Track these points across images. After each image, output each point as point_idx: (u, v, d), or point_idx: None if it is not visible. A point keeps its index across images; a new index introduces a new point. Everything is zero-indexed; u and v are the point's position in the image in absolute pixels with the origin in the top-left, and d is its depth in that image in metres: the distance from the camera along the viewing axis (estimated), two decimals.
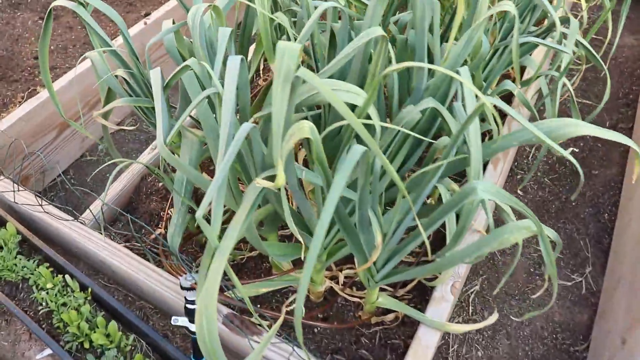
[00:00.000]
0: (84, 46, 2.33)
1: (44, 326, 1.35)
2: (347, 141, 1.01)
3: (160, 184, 1.73)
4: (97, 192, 1.96)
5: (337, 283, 1.44)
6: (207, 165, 1.84)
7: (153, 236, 1.54)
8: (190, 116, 1.49)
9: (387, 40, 1.03)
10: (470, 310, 1.66)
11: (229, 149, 0.87)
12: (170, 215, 1.60)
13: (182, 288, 1.21)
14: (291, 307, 1.42)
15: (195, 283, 1.20)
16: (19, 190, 1.52)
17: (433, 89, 1.14)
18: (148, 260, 1.43)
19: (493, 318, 1.32)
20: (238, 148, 0.88)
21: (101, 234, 1.46)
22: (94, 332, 1.29)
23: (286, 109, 0.72)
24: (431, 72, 1.26)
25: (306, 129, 0.76)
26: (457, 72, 1.03)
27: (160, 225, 1.62)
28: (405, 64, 0.82)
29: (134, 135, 2.16)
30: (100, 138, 2.14)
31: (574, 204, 1.98)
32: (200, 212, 0.83)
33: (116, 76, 1.47)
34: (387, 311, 1.41)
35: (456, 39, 1.52)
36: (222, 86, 0.99)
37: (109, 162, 1.30)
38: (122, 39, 1.40)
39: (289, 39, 1.34)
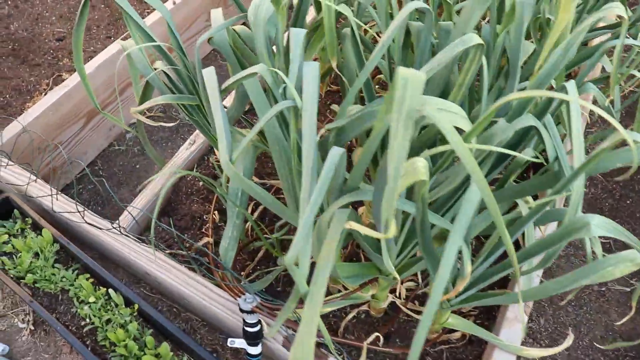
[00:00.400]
0: (109, 27, 2.19)
1: (88, 343, 1.26)
2: (440, 166, 0.91)
3: (201, 184, 1.63)
4: (128, 184, 1.86)
5: (399, 296, 1.35)
6: None
7: (195, 246, 1.43)
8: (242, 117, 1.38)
9: (482, 49, 0.92)
10: (526, 318, 1.57)
11: (315, 187, 0.77)
12: (215, 220, 1.50)
13: (242, 310, 1.12)
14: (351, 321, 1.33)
15: (256, 306, 1.11)
16: (57, 194, 1.41)
17: (523, 100, 1.02)
18: (194, 270, 1.33)
19: (569, 341, 1.23)
20: (328, 183, 0.77)
21: (141, 240, 1.37)
22: (144, 353, 1.20)
23: (407, 152, 0.61)
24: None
25: (422, 170, 0.65)
26: (563, 89, 0.92)
27: (203, 229, 1.52)
28: (526, 93, 0.70)
29: (164, 121, 2.05)
30: (131, 124, 2.03)
31: (629, 202, 1.88)
32: (291, 259, 0.73)
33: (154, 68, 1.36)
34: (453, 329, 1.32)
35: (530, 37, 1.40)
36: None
37: (158, 175, 1.19)
38: (168, 32, 1.28)
39: (353, 33, 1.22)
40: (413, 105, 0.61)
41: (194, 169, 1.66)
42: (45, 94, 1.88)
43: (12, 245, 1.41)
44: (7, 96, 1.98)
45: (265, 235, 1.46)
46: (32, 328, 1.41)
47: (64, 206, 1.44)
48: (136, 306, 1.27)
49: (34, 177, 1.48)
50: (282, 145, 1.02)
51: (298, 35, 0.96)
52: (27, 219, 1.47)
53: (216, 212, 1.52)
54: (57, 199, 1.42)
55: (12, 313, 1.47)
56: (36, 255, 1.39)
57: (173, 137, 2.00)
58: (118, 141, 2.00)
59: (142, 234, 1.56)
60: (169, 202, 1.61)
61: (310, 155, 0.81)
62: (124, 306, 1.28)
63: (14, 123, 1.70)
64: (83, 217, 1.32)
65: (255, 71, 0.95)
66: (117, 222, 1.44)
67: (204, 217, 1.54)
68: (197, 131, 1.69)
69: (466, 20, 0.92)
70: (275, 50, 1.25)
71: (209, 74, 1.08)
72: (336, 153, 0.80)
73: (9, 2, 2.31)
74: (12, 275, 1.38)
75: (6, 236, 1.44)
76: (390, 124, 0.62)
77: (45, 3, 2.33)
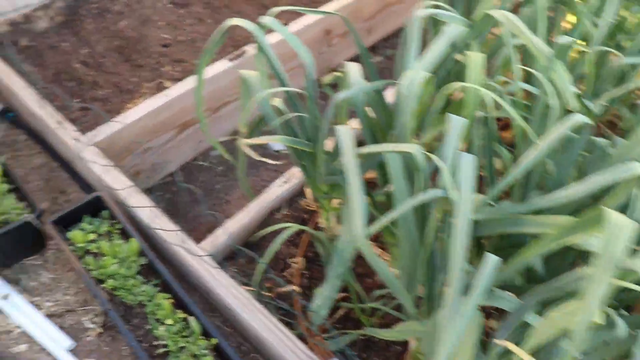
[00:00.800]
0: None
1: None
2: None
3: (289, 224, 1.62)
4: (205, 202, 1.88)
5: None
6: None
7: (280, 290, 1.43)
8: None
9: None
10: None
11: (467, 301, 0.76)
12: (301, 268, 1.49)
13: None
14: None
15: None
16: (154, 207, 1.42)
17: None
18: (272, 312, 1.33)
19: None
20: (482, 297, 0.77)
21: (223, 272, 1.36)
22: None
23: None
24: None
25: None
26: None
27: (285, 272, 1.51)
28: None
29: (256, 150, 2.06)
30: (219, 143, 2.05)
31: None
32: None
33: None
34: None
35: None
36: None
37: (278, 227, 1.19)
38: (305, 81, 1.29)
39: (486, 121, 1.22)
40: (620, 254, 0.60)
41: (281, 208, 1.66)
42: (145, 98, 1.91)
43: (98, 246, 1.43)
44: (107, 90, 2.02)
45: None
46: (101, 331, 1.41)
47: (156, 220, 1.45)
48: (214, 340, 1.26)
49: (133, 185, 1.50)
50: (411, 225, 1.02)
51: (458, 124, 0.96)
52: (115, 222, 1.48)
53: (302, 258, 1.52)
54: (152, 212, 1.42)
55: (81, 310, 1.48)
56: (120, 261, 1.40)
57: (257, 165, 2.01)
58: (203, 156, 2.01)
59: (224, 260, 1.57)
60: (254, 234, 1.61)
61: (460, 261, 0.80)
62: (200, 337, 1.27)
63: (114, 122, 1.74)
64: (180, 243, 1.32)
65: (409, 151, 0.95)
66: (203, 244, 1.45)
67: (287, 260, 1.54)
68: (292, 170, 1.69)
69: (633, 146, 0.91)
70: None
71: (346, 136, 1.08)
72: (493, 261, 0.79)
73: (123, 1, 2.37)
74: (92, 276, 1.39)
75: (93, 235, 1.45)
76: (592, 268, 0.61)
77: (155, 7, 2.38)
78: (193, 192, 1.90)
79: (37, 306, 1.47)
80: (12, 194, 1.55)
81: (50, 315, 1.46)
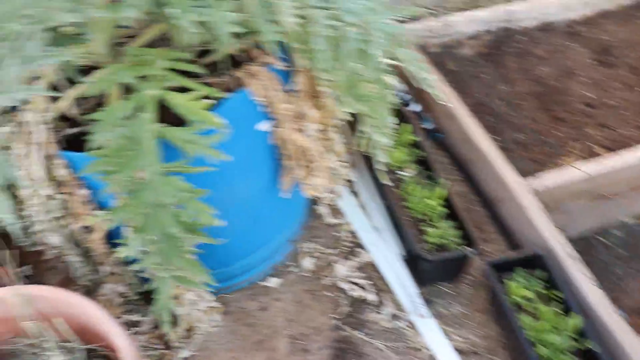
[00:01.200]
0: None
1: None
2: None
3: None
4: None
5: None
6: None
7: None
8: None
9: None
10: None
11: None
12: None
13: None
14: None
15: None
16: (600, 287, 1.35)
17: None
18: None
19: None
20: None
21: None
22: None
23: None
24: None
25: None
26: None
27: None
28: None
29: None
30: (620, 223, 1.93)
31: None
32: None
33: None
34: None
35: None
36: None
37: None
38: None
39: None
40: None
41: None
42: (575, 159, 1.85)
43: (535, 307, 1.41)
44: (527, 137, 2.00)
45: None
46: None
47: (601, 301, 1.39)
48: None
49: (579, 257, 1.45)
50: None
51: None
52: (550, 286, 1.45)
53: None
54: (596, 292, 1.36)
55: (487, 356, 1.48)
56: (558, 332, 1.36)
57: None
58: (604, 232, 1.90)
59: None
60: None
61: None
62: None
63: (555, 174, 1.72)
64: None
65: None
66: None
67: None
68: None
69: None
70: None
71: None
72: None
73: (545, 47, 2.34)
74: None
75: (529, 293, 1.44)
76: None
77: (577, 60, 2.30)
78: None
79: (447, 336, 1.51)
80: (449, 220, 1.61)
81: (456, 350, 1.49)
